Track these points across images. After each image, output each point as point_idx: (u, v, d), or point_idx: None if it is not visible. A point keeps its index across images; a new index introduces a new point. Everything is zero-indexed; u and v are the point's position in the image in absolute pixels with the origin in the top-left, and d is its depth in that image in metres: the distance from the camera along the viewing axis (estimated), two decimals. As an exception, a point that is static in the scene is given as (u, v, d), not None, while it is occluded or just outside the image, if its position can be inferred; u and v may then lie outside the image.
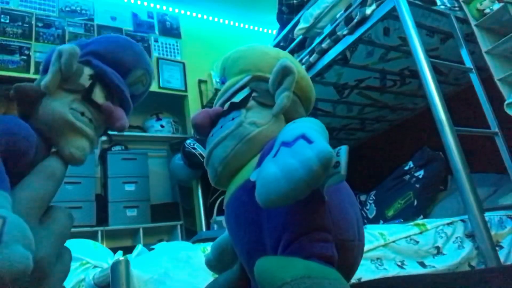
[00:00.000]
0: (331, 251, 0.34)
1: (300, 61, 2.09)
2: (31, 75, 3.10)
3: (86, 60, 0.37)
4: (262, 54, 0.49)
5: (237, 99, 0.46)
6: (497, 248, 1.25)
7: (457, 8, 1.68)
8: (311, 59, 1.97)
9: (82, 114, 0.35)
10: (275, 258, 0.34)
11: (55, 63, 0.34)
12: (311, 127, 0.34)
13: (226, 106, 0.46)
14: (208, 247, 1.03)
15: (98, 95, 0.36)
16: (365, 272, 1.08)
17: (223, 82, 0.51)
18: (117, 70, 0.38)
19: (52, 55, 0.35)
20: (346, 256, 0.37)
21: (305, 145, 0.31)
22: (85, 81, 0.35)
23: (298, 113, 0.46)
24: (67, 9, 3.52)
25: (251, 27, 4.57)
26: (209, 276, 0.93)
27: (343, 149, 0.32)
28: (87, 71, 0.36)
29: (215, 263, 0.51)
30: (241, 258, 0.43)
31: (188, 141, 3.07)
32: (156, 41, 3.85)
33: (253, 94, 0.45)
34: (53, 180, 0.31)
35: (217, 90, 3.69)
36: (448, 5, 1.66)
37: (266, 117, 0.43)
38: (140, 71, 0.40)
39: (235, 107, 0.45)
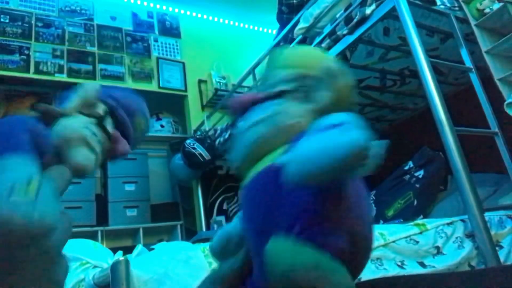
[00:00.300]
0: (343, 244, 0.35)
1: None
2: (30, 75, 3.10)
3: (104, 99, 0.47)
4: (309, 53, 0.52)
5: (278, 89, 0.47)
6: (497, 248, 1.25)
7: (457, 8, 1.68)
8: (311, 59, 1.97)
9: (94, 134, 0.43)
10: (288, 242, 0.34)
11: (79, 93, 0.45)
12: (351, 117, 0.35)
13: (268, 93, 0.48)
14: (208, 247, 1.03)
15: (109, 124, 0.46)
16: (365, 272, 1.08)
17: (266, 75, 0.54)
18: (125, 112, 0.50)
19: (77, 89, 0.47)
20: (357, 253, 0.38)
21: (348, 128, 0.32)
22: (100, 111, 0.46)
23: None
24: (67, 9, 3.52)
25: (251, 27, 4.57)
26: (209, 276, 0.93)
27: (385, 142, 0.34)
28: (103, 106, 0.46)
29: (219, 250, 0.51)
30: (250, 239, 0.43)
31: (188, 141, 3.07)
32: (156, 40, 3.84)
33: (295, 88, 0.47)
34: (63, 179, 0.37)
35: (216, 90, 3.70)
36: (448, 5, 1.66)
37: (303, 112, 0.45)
38: (142, 117, 0.53)
39: (276, 96, 0.47)
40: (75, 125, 0.42)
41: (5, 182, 0.27)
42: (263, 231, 0.40)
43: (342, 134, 0.30)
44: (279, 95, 0.47)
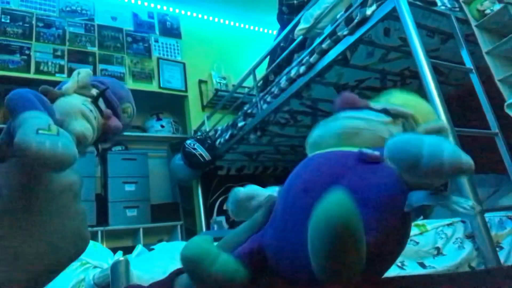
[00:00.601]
0: (380, 241, 0.37)
1: (300, 61, 2.09)
2: (31, 75, 3.11)
3: (95, 84, 0.57)
4: (427, 106, 0.59)
5: (385, 107, 0.52)
6: (497, 249, 1.25)
7: (457, 9, 1.68)
8: (311, 59, 1.97)
9: (91, 110, 0.51)
10: (349, 201, 0.34)
11: (74, 77, 0.55)
12: None
13: (379, 106, 0.52)
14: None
15: (102, 103, 0.54)
16: (365, 272, 1.08)
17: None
18: (117, 97, 0.59)
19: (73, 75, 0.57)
20: (379, 261, 0.41)
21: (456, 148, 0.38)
22: (93, 92, 0.54)
23: None
24: (68, 9, 3.52)
25: (252, 27, 4.57)
26: (209, 276, 0.93)
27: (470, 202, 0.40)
28: (95, 89, 0.55)
29: (244, 197, 0.54)
30: (288, 197, 0.44)
31: (188, 141, 3.07)
32: (156, 41, 3.85)
33: (402, 120, 0.51)
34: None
35: (217, 90, 3.70)
36: (449, 5, 1.66)
37: (395, 134, 0.48)
38: (128, 104, 0.61)
39: (387, 112, 0.50)
40: (74, 102, 0.50)
41: (30, 126, 0.34)
42: (312, 188, 0.41)
43: (451, 144, 0.36)
44: (389, 114, 0.50)
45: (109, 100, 0.55)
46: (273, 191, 0.53)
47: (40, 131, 0.33)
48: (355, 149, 0.43)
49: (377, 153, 0.41)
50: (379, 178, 0.37)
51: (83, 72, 0.53)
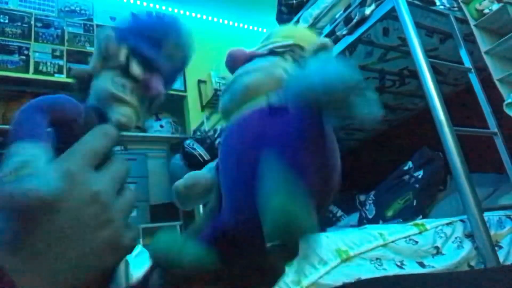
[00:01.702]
0: (317, 179, 0.38)
1: (300, 61, 2.10)
2: (30, 75, 3.10)
3: (123, 39, 0.43)
4: (305, 30, 0.58)
5: (272, 47, 0.51)
6: (496, 248, 1.25)
7: (456, 8, 1.69)
8: (310, 59, 1.97)
9: (123, 86, 0.41)
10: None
11: (96, 47, 0.42)
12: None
13: (265, 50, 0.51)
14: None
15: (135, 69, 0.42)
16: (364, 272, 1.08)
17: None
18: (152, 43, 0.44)
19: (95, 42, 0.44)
20: (324, 192, 0.40)
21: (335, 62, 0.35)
22: (122, 58, 0.41)
23: None
24: (66, 9, 3.52)
25: (251, 27, 4.58)
26: (209, 276, 0.93)
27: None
28: (123, 49, 0.42)
29: (184, 190, 0.52)
30: (226, 173, 0.45)
31: (187, 142, 3.07)
32: (155, 41, 3.85)
33: (291, 52, 0.50)
34: (105, 137, 0.36)
35: (216, 90, 3.70)
36: (447, 5, 1.67)
37: (293, 70, 0.49)
38: (175, 38, 0.47)
39: (273, 53, 0.50)
40: (103, 83, 0.41)
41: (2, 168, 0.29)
42: (245, 157, 0.41)
43: (337, 64, 0.33)
44: (277, 53, 0.50)
45: (145, 57, 0.43)
46: (210, 168, 0.52)
47: (4, 178, 0.28)
48: (263, 101, 0.44)
49: (279, 98, 0.41)
50: (291, 123, 0.38)
51: (102, 38, 0.41)
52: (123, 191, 0.36)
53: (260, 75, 0.47)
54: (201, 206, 3.26)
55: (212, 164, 0.52)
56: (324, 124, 0.38)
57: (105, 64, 0.42)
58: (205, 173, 0.52)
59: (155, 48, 0.44)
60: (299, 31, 0.56)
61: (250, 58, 0.51)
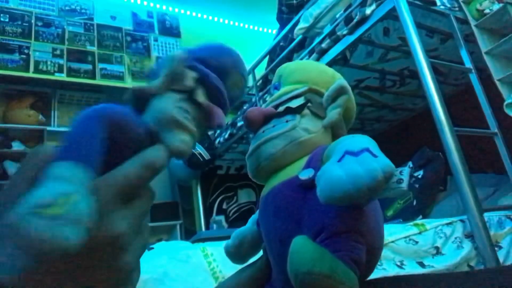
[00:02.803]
0: (361, 254, 0.37)
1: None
2: (30, 74, 3.10)
3: (192, 65, 0.41)
4: (320, 70, 0.55)
5: (293, 104, 0.50)
6: (496, 248, 1.25)
7: (457, 9, 1.68)
8: (310, 59, 1.97)
9: (187, 111, 0.39)
10: (311, 244, 0.37)
11: (166, 67, 0.40)
12: (372, 143, 0.38)
13: (281, 109, 0.50)
14: (207, 247, 1.03)
15: (200, 96, 0.40)
16: (364, 272, 1.08)
17: (276, 88, 0.56)
18: (217, 74, 0.43)
19: (163, 62, 0.40)
20: (371, 263, 0.41)
21: (370, 157, 0.34)
22: (189, 83, 0.40)
23: (342, 130, 0.51)
24: (67, 8, 3.52)
25: (251, 26, 4.57)
26: (209, 276, 0.93)
27: (407, 170, 0.38)
28: (192, 74, 0.40)
29: (233, 250, 0.53)
30: (271, 247, 0.46)
31: (187, 141, 3.07)
32: (155, 40, 3.84)
33: (308, 104, 0.50)
34: (149, 169, 0.33)
35: (216, 90, 3.70)
36: (448, 5, 1.67)
37: (317, 127, 0.48)
38: (237, 76, 0.46)
39: (290, 111, 0.49)
40: (165, 106, 0.38)
41: (28, 200, 0.25)
42: (285, 239, 0.42)
43: (363, 164, 0.33)
44: (295, 110, 0.49)
45: (210, 85, 0.42)
46: (254, 221, 0.53)
47: (35, 211, 0.25)
48: (293, 172, 0.44)
49: (310, 175, 0.41)
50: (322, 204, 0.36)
51: (175, 60, 0.40)
52: (142, 228, 0.33)
53: (284, 143, 0.47)
54: (201, 206, 3.27)
55: (255, 217, 0.52)
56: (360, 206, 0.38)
57: (170, 85, 0.40)
58: (250, 228, 0.53)
59: (220, 80, 0.43)
60: (311, 72, 0.55)
61: (268, 118, 0.50)
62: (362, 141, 0.38)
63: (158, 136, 0.37)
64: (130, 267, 0.30)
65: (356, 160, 0.34)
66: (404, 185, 0.36)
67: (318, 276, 0.33)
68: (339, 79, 0.51)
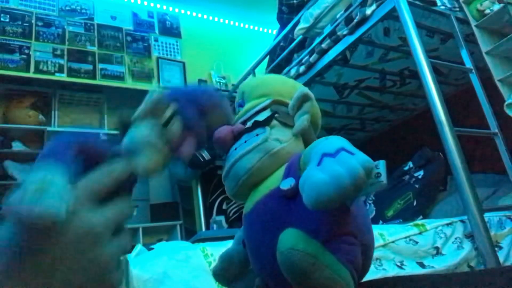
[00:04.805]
0: (357, 255, 0.39)
1: (300, 61, 2.09)
2: (30, 74, 3.10)
3: (174, 98, 0.48)
4: (281, 82, 0.57)
5: (260, 118, 0.51)
6: (496, 249, 1.25)
7: (457, 9, 1.68)
8: (311, 59, 1.97)
9: (161, 136, 0.45)
10: (299, 232, 0.38)
11: (147, 101, 0.46)
12: (346, 142, 0.39)
13: (250, 123, 0.52)
14: (207, 247, 1.03)
15: (176, 126, 0.46)
16: (364, 272, 1.08)
17: (240, 105, 0.58)
18: (200, 110, 0.49)
19: (148, 95, 0.47)
20: (366, 260, 0.42)
21: (348, 155, 0.35)
22: (168, 114, 0.46)
23: (312, 136, 0.52)
24: (67, 8, 3.52)
25: (251, 27, 4.57)
26: (209, 276, 0.93)
27: (382, 162, 0.38)
28: (171, 107, 0.47)
29: (222, 273, 0.54)
30: (262, 264, 0.47)
31: (187, 141, 3.06)
32: (156, 40, 3.84)
33: (276, 115, 0.51)
34: (109, 176, 0.38)
35: (217, 90, 3.70)
36: (448, 5, 1.66)
37: (288, 136, 0.49)
38: (220, 113, 0.52)
39: (259, 125, 0.50)
40: (142, 131, 0.44)
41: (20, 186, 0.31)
42: (271, 242, 0.42)
43: (342, 164, 0.34)
44: (263, 123, 0.50)
45: (187, 118, 0.48)
46: (238, 239, 0.55)
47: (25, 194, 0.31)
48: (274, 184, 0.45)
49: (292, 184, 0.42)
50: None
51: (155, 97, 0.46)
52: (121, 232, 0.37)
53: (259, 156, 0.47)
54: (201, 206, 3.26)
55: (239, 235, 0.55)
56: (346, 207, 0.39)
57: (149, 115, 0.46)
58: (236, 249, 0.54)
59: (197, 114, 0.49)
60: (273, 85, 0.56)
61: (238, 134, 0.51)
62: (336, 141, 0.39)
63: (125, 156, 0.42)
64: (106, 262, 0.33)
65: (335, 161, 0.35)
66: (383, 178, 0.36)
67: (301, 253, 0.34)
68: (300, 87, 0.52)
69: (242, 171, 0.48)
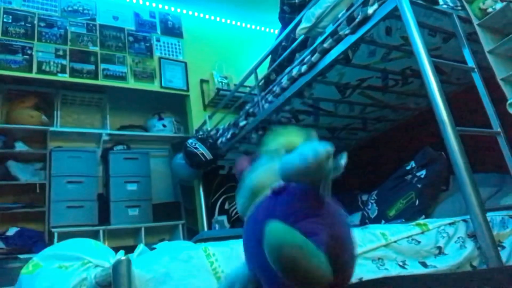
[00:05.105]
0: (325, 237, 0.47)
1: (302, 60, 2.09)
2: (33, 75, 3.11)
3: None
4: (294, 138, 0.71)
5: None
6: (499, 248, 1.24)
7: (459, 8, 1.68)
8: (313, 58, 1.97)
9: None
10: (282, 224, 0.45)
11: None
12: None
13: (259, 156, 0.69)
14: (209, 247, 1.03)
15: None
16: (366, 272, 1.08)
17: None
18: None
19: None
20: (339, 251, 0.50)
21: (317, 143, 0.47)
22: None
23: None
24: (69, 9, 3.53)
25: (253, 26, 4.57)
26: (211, 276, 0.93)
27: (344, 154, 0.51)
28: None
29: None
30: (252, 253, 0.59)
31: (189, 141, 3.07)
32: (158, 40, 3.85)
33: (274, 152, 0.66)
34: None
35: (218, 90, 3.70)
36: (450, 4, 1.66)
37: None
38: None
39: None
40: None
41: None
42: (260, 231, 0.51)
43: (308, 146, 0.46)
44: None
45: None
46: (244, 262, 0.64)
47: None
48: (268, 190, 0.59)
49: (279, 184, 0.56)
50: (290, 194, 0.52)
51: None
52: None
53: (260, 171, 0.61)
54: (203, 206, 3.26)
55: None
56: (315, 191, 0.50)
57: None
58: (242, 272, 0.63)
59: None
60: (288, 141, 0.69)
61: (255, 159, 0.66)
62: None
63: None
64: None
65: (305, 145, 0.47)
66: (342, 165, 0.50)
67: (289, 248, 0.40)
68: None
69: (248, 184, 0.64)
